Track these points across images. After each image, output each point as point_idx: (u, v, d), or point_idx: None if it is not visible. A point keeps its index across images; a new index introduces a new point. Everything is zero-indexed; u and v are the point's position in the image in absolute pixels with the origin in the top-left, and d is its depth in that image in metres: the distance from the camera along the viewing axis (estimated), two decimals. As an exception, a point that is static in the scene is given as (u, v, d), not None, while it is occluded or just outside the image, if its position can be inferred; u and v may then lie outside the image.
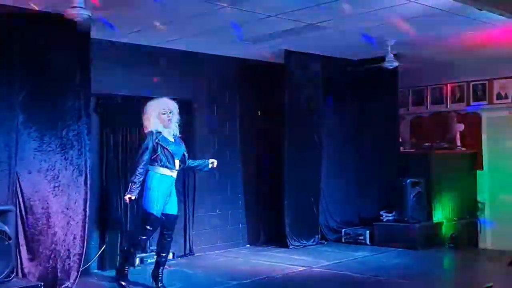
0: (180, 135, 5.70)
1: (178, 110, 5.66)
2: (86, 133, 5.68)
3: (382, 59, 7.43)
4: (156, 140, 5.42)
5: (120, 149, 6.76)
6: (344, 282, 6.08)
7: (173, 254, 7.07)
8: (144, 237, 5.58)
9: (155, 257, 5.76)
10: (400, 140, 8.86)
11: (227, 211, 7.95)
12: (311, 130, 8.18)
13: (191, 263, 7.00)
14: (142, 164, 5.37)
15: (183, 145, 5.70)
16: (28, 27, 5.32)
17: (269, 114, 8.28)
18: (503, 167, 8.25)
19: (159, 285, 5.55)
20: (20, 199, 5.27)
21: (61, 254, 5.44)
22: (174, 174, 5.55)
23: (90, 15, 4.91)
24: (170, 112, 5.55)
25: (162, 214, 5.50)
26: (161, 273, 5.58)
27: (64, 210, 5.49)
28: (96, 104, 6.58)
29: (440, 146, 8.54)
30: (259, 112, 8.33)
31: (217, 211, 7.84)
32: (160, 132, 5.48)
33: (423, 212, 8.05)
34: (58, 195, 5.46)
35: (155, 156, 5.40)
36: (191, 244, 7.40)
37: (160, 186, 5.43)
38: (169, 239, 5.65)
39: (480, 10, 5.07)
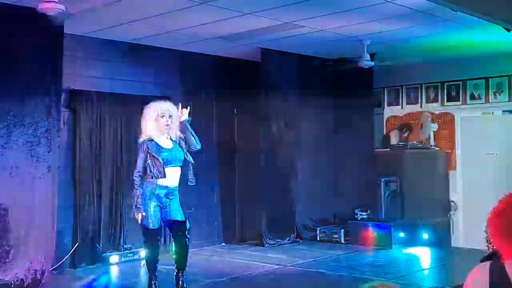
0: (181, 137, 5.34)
1: (177, 114, 5.32)
2: (56, 129, 5.59)
3: (358, 58, 7.47)
4: (146, 149, 5.12)
5: (94, 146, 6.68)
6: (319, 280, 6.11)
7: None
8: (148, 254, 5.28)
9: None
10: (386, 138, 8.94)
11: (202, 209, 7.92)
12: (287, 128, 8.19)
13: (165, 261, 6.94)
14: (138, 175, 5.12)
15: (182, 148, 5.34)
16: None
17: (245, 112, 8.27)
18: (475, 167, 8.36)
19: None
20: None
21: (30, 252, 5.35)
22: (168, 182, 5.17)
23: (64, 9, 4.84)
24: (169, 116, 5.23)
25: (165, 220, 5.25)
26: (181, 276, 5.28)
27: (30, 207, 5.39)
28: (69, 100, 6.50)
29: (414, 145, 8.62)
30: (235, 110, 8.32)
31: (192, 209, 7.79)
32: (152, 140, 5.16)
33: (397, 211, 8.12)
34: (24, 192, 5.36)
35: (145, 165, 5.11)
36: (166, 242, 7.35)
37: (152, 198, 5.11)
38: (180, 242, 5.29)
39: (454, 11, 5.13)
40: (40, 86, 5.48)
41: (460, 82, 8.55)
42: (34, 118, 5.43)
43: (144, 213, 5.08)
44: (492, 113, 8.32)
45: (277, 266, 6.64)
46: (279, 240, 8.02)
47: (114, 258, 6.68)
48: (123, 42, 6.92)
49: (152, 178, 5.12)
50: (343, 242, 8.11)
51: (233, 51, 7.71)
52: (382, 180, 8.04)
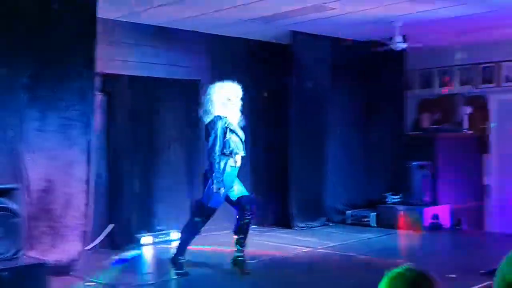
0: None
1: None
2: (90, 112, 5.67)
3: (390, 40, 7.37)
4: (226, 125, 5.23)
5: (127, 129, 6.78)
6: (349, 262, 6.12)
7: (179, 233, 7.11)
8: (194, 231, 5.51)
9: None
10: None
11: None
12: (318, 112, 8.16)
13: (197, 243, 7.03)
14: (219, 152, 5.17)
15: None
16: (33, 5, 5.29)
17: (276, 95, 8.25)
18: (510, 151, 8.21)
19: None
20: (25, 178, 5.30)
21: (66, 233, 5.47)
22: (239, 162, 5.35)
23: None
24: (236, 97, 5.35)
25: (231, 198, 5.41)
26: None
27: (67, 189, 5.50)
28: (103, 84, 6.59)
29: (447, 129, 8.50)
30: (265, 93, 8.31)
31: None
32: (226, 117, 5.26)
33: (429, 195, 8.05)
34: (61, 175, 5.48)
35: (224, 142, 5.20)
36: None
37: (229, 174, 5.26)
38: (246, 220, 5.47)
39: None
40: (74, 69, 5.54)
41: (495, 64, 8.38)
42: (69, 101, 5.51)
43: (223, 189, 5.19)
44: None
45: (307, 249, 6.66)
46: (309, 223, 8.03)
47: (146, 239, 6.79)
48: (154, 25, 6.96)
49: (230, 154, 5.22)
50: (374, 225, 8.09)
51: (264, 34, 7.69)
52: (414, 163, 7.96)
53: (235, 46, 7.89)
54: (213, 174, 5.17)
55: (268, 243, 7.04)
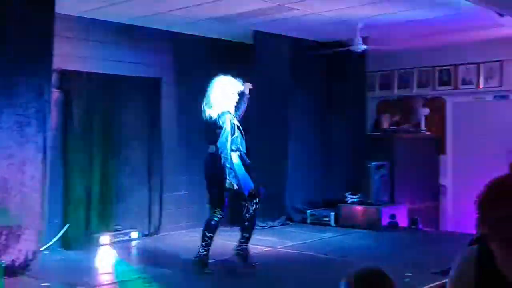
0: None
1: None
2: (47, 110, 5.55)
3: (351, 42, 7.46)
4: (234, 121, 5.25)
5: (85, 127, 6.66)
6: (308, 262, 6.16)
7: (138, 233, 7.04)
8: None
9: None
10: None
11: (193, 191, 7.92)
12: (279, 112, 8.19)
13: (156, 242, 6.99)
14: (230, 149, 5.19)
15: None
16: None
17: (238, 94, 8.23)
18: (466, 152, 8.42)
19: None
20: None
21: (21, 233, 5.34)
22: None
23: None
24: (238, 93, 5.41)
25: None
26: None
27: (21, 188, 5.37)
28: (60, 80, 6.46)
29: (405, 130, 8.65)
30: (227, 92, 8.28)
31: (183, 191, 7.82)
32: (231, 113, 5.29)
33: (387, 195, 8.18)
34: (15, 173, 5.34)
35: (232, 139, 5.20)
36: (156, 223, 7.38)
37: (240, 168, 5.28)
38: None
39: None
40: (30, 66, 5.42)
41: (452, 67, 8.57)
42: (25, 98, 5.38)
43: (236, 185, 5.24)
44: (484, 98, 8.36)
45: (267, 248, 6.68)
46: (269, 223, 8.06)
47: (104, 238, 6.69)
48: (116, 22, 6.87)
49: (236, 151, 5.25)
50: (333, 225, 8.17)
51: (226, 33, 7.67)
52: (373, 164, 8.08)
53: (198, 44, 7.85)
54: (226, 170, 5.19)
55: (228, 242, 7.01)
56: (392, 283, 1.99)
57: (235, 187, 5.29)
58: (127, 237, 6.87)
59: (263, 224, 7.94)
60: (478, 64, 8.28)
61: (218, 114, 5.26)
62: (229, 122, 5.21)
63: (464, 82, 8.46)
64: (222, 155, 5.21)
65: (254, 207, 5.53)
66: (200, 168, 7.96)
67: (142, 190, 7.27)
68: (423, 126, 8.74)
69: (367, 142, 8.61)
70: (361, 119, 8.86)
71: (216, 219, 5.54)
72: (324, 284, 5.02)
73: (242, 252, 5.60)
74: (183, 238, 7.27)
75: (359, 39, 7.35)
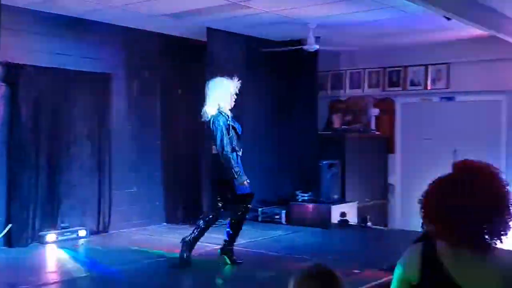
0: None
1: None
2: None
3: (303, 41, 7.52)
4: (228, 122, 5.41)
5: (32, 122, 6.48)
6: (258, 260, 6.17)
7: (86, 231, 6.90)
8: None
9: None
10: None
11: (144, 188, 7.84)
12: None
13: (104, 241, 6.86)
14: (229, 148, 5.37)
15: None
16: None
17: (190, 92, 8.19)
18: (413, 151, 8.63)
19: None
20: None
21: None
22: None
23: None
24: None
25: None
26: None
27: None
28: (7, 73, 6.26)
29: (356, 129, 8.80)
30: (179, 90, 8.23)
31: (134, 188, 7.72)
32: (225, 113, 5.45)
33: (338, 193, 8.29)
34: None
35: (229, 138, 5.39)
36: (105, 221, 7.25)
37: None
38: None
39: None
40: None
41: (401, 69, 8.76)
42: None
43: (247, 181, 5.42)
44: (431, 99, 8.59)
45: (218, 246, 6.65)
46: (221, 221, 8.02)
47: (50, 237, 6.53)
48: (66, 16, 6.70)
49: (233, 151, 5.41)
50: (284, 222, 8.22)
51: (179, 30, 7.60)
52: (324, 162, 8.17)
53: (150, 40, 7.75)
54: (232, 170, 5.33)
55: (179, 240, 6.96)
56: (340, 280, 2.02)
57: (247, 183, 5.46)
58: (74, 235, 6.72)
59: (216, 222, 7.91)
60: (426, 66, 8.49)
61: (212, 116, 5.43)
62: (222, 124, 5.39)
63: (413, 84, 8.66)
64: (223, 156, 5.36)
65: (241, 211, 5.70)
66: (151, 165, 7.93)
67: (91, 187, 7.13)
68: (373, 126, 8.91)
69: (318, 141, 8.71)
70: (312, 118, 8.94)
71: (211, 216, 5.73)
72: (274, 282, 5.05)
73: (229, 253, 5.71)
74: (134, 236, 7.17)
75: (311, 39, 7.42)
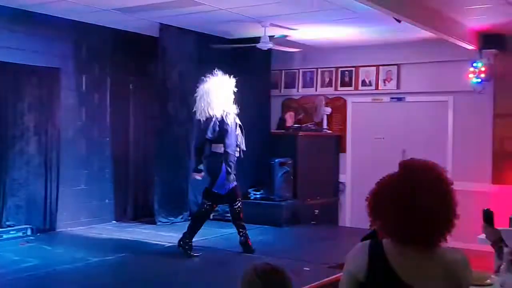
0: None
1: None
2: None
3: (257, 39, 7.51)
4: (234, 120, 5.86)
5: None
6: (209, 258, 6.15)
7: (32, 229, 6.72)
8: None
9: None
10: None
11: (93, 186, 7.68)
12: (183, 106, 8.09)
13: (51, 239, 6.69)
14: (235, 147, 5.90)
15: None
16: None
17: (141, 88, 8.08)
18: (364, 150, 8.75)
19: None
20: None
21: None
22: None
23: None
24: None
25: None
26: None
27: None
28: None
29: (308, 128, 8.86)
30: (130, 85, 8.10)
31: (82, 186, 7.56)
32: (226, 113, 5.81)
33: (289, 191, 8.34)
34: None
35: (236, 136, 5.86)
36: (52, 219, 7.07)
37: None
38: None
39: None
40: None
41: (353, 69, 8.88)
42: None
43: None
44: (381, 99, 8.74)
45: (169, 244, 6.60)
46: (172, 218, 7.96)
47: (-5, 235, 6.34)
48: (14, 8, 6.47)
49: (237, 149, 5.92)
50: (236, 221, 8.20)
51: (131, 25, 7.47)
52: (276, 160, 8.20)
53: (101, 35, 7.59)
54: (232, 166, 5.87)
55: (128, 239, 6.88)
56: (287, 278, 2.02)
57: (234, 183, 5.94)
58: (20, 234, 6.53)
59: (165, 220, 7.85)
60: (377, 66, 8.63)
61: (221, 115, 5.83)
62: (232, 122, 5.86)
63: (364, 84, 8.79)
64: (232, 153, 5.88)
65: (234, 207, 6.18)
66: (101, 162, 7.77)
67: (37, 184, 6.94)
68: (325, 125, 8.99)
69: (271, 139, 8.73)
70: (265, 116, 8.96)
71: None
72: (224, 280, 5.03)
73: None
74: (81, 235, 7.03)
75: (265, 37, 7.42)
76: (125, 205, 8.10)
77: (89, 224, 7.50)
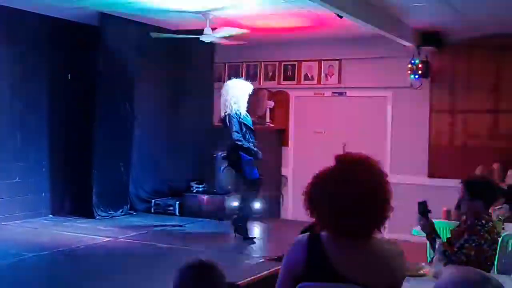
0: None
1: None
2: None
3: (201, 32, 7.43)
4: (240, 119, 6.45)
5: None
6: (148, 251, 6.07)
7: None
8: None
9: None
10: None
11: (29, 179, 7.43)
12: (124, 97, 7.94)
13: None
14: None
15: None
16: None
17: (81, 78, 7.86)
18: (306, 144, 8.84)
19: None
20: None
21: None
22: None
23: None
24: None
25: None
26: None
27: None
28: None
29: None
30: (69, 75, 7.87)
31: (17, 178, 7.29)
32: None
33: (231, 184, 8.31)
34: None
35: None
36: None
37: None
38: None
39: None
40: None
41: (296, 63, 8.93)
42: None
43: None
44: (323, 94, 8.83)
45: (108, 239, 6.47)
46: (112, 212, 7.81)
47: None
48: None
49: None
50: (178, 214, 8.14)
51: (70, 13, 7.25)
52: (219, 154, 8.17)
53: (37, 23, 7.33)
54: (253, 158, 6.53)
55: (65, 233, 6.69)
56: (219, 273, 2.00)
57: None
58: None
59: (104, 214, 7.69)
60: (319, 61, 8.71)
61: (225, 115, 6.48)
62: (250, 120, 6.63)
63: (306, 78, 8.86)
64: (252, 146, 6.61)
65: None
66: (37, 154, 7.52)
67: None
68: (267, 119, 9.01)
69: (213, 132, 8.68)
70: (208, 109, 8.91)
71: None
72: (160, 275, 4.95)
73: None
74: (16, 229, 6.79)
75: (208, 29, 7.35)
76: (63, 199, 7.88)
77: (25, 219, 7.26)
